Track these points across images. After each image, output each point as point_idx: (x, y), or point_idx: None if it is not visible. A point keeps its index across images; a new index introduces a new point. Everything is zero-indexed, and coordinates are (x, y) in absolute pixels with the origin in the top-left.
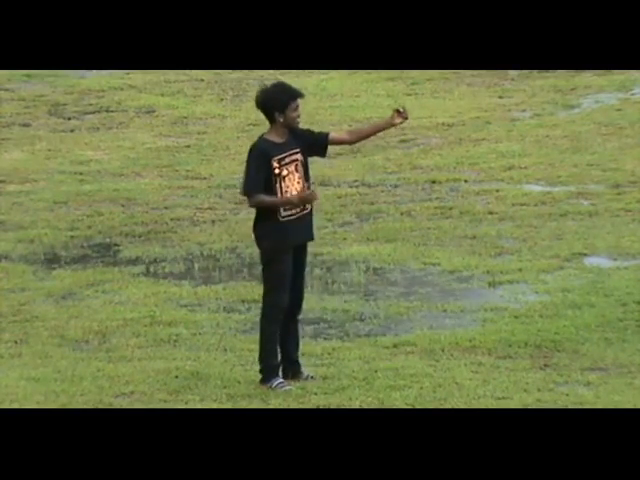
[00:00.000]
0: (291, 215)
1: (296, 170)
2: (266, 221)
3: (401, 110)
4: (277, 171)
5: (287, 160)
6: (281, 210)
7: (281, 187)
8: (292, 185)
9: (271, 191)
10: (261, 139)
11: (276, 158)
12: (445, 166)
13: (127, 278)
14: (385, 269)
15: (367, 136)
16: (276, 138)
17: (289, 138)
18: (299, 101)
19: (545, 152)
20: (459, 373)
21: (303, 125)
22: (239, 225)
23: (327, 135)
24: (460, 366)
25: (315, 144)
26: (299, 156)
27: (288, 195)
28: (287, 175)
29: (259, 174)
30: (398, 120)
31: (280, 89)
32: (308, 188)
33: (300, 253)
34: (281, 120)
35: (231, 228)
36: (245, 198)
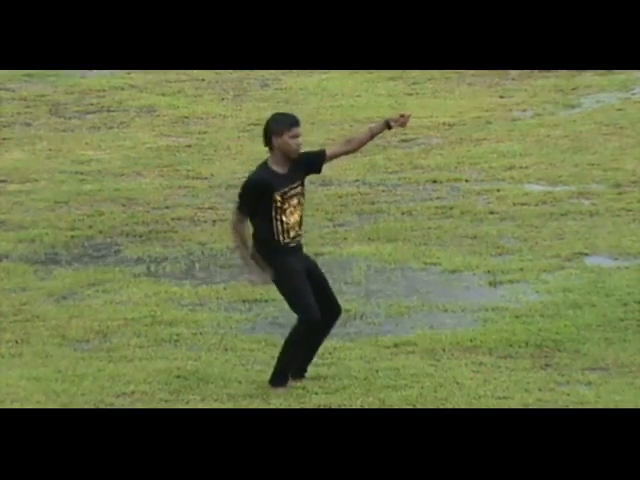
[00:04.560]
0: (290, 242)
1: (299, 203)
2: (268, 244)
3: (404, 116)
4: (279, 204)
5: (290, 194)
6: (281, 238)
7: (281, 219)
8: (293, 219)
9: (268, 220)
10: (264, 167)
11: (280, 192)
12: (446, 166)
13: (128, 278)
14: (386, 269)
15: (365, 142)
16: (278, 168)
17: (291, 168)
18: (299, 129)
19: (546, 152)
20: (460, 373)
21: (302, 127)
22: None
23: (324, 153)
24: (461, 366)
25: (312, 164)
26: (300, 188)
27: (286, 229)
28: (288, 209)
29: (252, 201)
30: (395, 123)
31: (280, 115)
32: (302, 217)
33: (311, 270)
34: (276, 145)
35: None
36: (235, 215)
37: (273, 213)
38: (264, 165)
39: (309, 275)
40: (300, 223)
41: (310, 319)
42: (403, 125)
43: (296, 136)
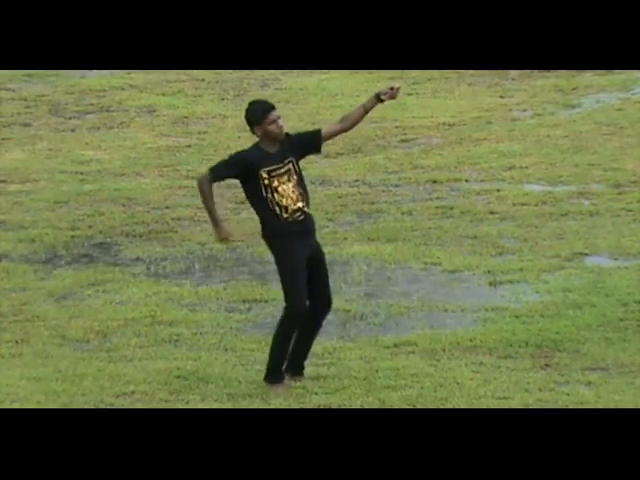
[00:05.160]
0: (291, 219)
1: (289, 180)
2: (271, 223)
3: (393, 88)
4: (267, 182)
5: (279, 172)
6: (280, 214)
7: (274, 198)
8: (286, 195)
9: (260, 202)
10: (254, 146)
11: (265, 169)
12: (446, 166)
13: (128, 278)
14: (386, 269)
15: (359, 118)
16: (268, 148)
17: (281, 148)
18: (275, 113)
19: (546, 152)
20: (460, 373)
21: (302, 127)
22: (240, 225)
23: (319, 132)
24: (461, 366)
25: (309, 145)
26: (291, 166)
27: (283, 205)
28: (279, 186)
29: (227, 172)
30: (385, 96)
31: (254, 105)
32: (303, 193)
33: (316, 260)
34: (259, 133)
35: (232, 228)
36: (206, 174)
37: (264, 192)
38: (255, 144)
39: (312, 264)
40: (299, 199)
41: (294, 311)
42: (393, 97)
43: (274, 120)
